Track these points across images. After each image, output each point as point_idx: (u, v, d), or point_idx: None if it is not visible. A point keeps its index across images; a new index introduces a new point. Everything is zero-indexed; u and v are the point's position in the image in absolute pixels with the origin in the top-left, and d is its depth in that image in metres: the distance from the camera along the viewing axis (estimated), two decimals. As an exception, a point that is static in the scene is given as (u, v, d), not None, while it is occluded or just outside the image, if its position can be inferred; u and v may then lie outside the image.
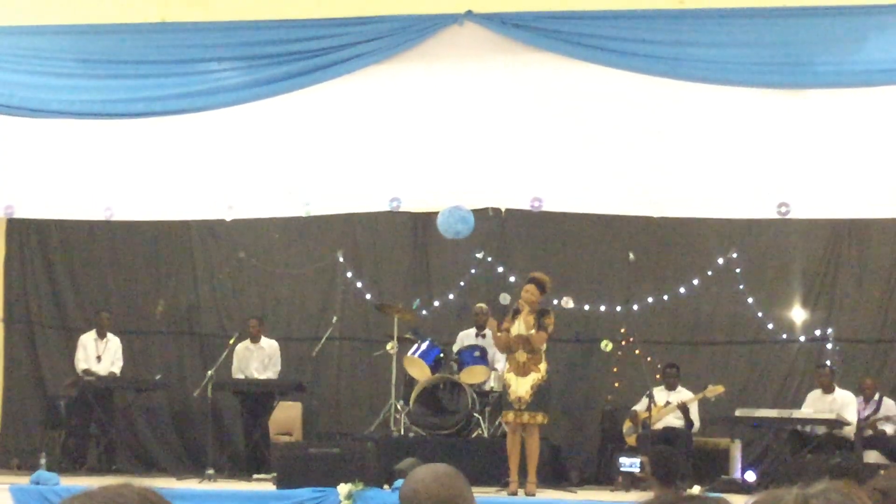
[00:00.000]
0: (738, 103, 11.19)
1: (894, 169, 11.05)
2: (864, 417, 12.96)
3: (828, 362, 13.67)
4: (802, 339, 14.50)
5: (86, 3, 12.20)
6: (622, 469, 12.24)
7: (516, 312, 11.34)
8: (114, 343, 14.68)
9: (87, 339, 14.60)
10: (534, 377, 11.18)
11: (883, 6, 10.92)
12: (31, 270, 15.76)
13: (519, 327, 11.23)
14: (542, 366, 11.25)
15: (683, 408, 13.20)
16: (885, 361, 14.30)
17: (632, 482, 12.12)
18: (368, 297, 15.20)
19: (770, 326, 14.48)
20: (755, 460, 13.71)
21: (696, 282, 14.57)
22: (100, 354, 14.54)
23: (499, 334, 11.48)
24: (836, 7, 10.98)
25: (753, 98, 11.16)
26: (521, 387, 11.16)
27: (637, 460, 11.97)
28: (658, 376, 13.70)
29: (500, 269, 14.94)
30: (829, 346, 14.31)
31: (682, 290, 14.59)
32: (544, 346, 11.32)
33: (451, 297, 15.11)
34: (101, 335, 14.61)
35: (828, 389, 13.15)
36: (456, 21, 11.44)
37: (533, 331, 11.14)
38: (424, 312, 14.88)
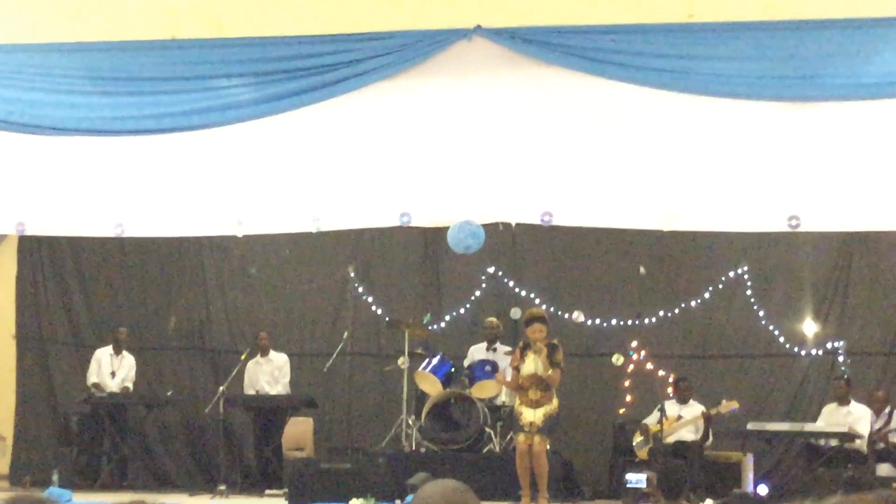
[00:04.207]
0: (748, 117, 11.17)
1: (905, 181, 11.05)
2: (875, 430, 12.90)
3: (845, 374, 13.62)
4: (814, 352, 14.46)
5: (97, 20, 12.22)
6: (628, 486, 12.22)
7: (524, 349, 11.32)
8: (128, 360, 14.74)
9: (103, 354, 14.66)
10: (546, 408, 11.22)
11: (892, 18, 10.91)
12: (43, 287, 15.81)
13: (531, 366, 11.22)
14: (555, 401, 11.30)
15: (707, 416, 13.16)
16: (897, 374, 14.27)
17: (639, 497, 12.09)
18: (379, 312, 15.20)
19: (781, 339, 14.46)
20: (767, 474, 13.65)
21: (706, 295, 14.57)
22: (114, 370, 14.59)
23: (508, 381, 11.60)
24: (845, 20, 10.96)
25: (763, 111, 11.14)
26: (534, 415, 11.19)
27: (643, 476, 11.95)
28: (669, 390, 13.68)
29: (511, 284, 14.95)
30: (841, 358, 14.28)
31: (693, 303, 14.59)
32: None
33: (461, 311, 15.11)
34: (118, 351, 14.66)
35: (843, 402, 13.10)
36: (465, 36, 11.43)
37: (550, 371, 11.14)
38: (435, 327, 14.89)
